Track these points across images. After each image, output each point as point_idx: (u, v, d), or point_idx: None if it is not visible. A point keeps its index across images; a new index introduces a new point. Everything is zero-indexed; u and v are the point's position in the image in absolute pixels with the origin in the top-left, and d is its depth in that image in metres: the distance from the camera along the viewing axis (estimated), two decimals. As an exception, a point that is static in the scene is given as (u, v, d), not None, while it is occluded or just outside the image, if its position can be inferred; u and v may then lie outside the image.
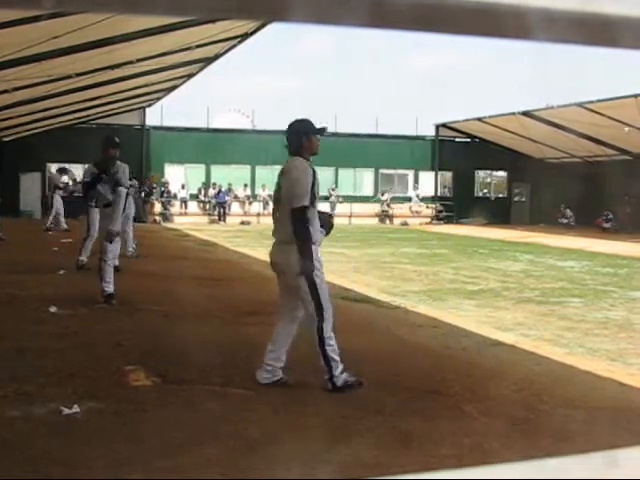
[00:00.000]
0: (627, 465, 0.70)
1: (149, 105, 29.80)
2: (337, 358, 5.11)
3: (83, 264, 11.75)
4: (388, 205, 32.84)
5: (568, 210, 30.62)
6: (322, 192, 32.40)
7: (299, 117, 5.60)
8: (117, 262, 11.61)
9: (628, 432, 4.33)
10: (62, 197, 21.13)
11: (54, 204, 20.84)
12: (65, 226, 20.41)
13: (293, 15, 0.58)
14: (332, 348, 5.11)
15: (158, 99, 28.08)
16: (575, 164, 30.53)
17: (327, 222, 5.90)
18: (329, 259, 15.57)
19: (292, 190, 5.23)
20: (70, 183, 22.29)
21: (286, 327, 5.31)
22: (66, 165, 25.62)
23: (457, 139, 34.83)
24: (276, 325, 5.42)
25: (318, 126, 5.70)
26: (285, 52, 67.68)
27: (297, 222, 5.15)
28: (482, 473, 0.67)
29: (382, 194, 33.24)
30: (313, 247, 5.17)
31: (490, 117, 30.42)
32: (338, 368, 5.10)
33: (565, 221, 30.63)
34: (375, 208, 33.02)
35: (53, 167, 29.64)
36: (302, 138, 5.35)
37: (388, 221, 32.50)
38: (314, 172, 5.33)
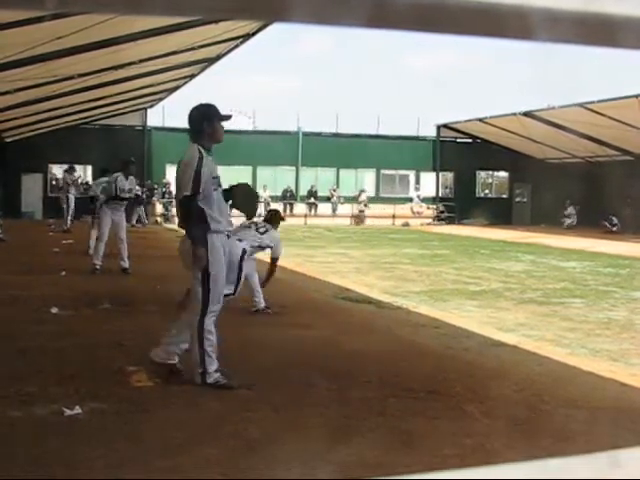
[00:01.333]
0: (629, 465, 0.70)
1: (151, 106, 29.81)
2: (213, 355, 5.08)
3: (96, 268, 11.67)
4: (365, 205, 32.60)
5: (572, 207, 30.52)
6: (323, 192, 32.69)
7: (203, 102, 5.39)
8: (127, 265, 11.62)
9: (630, 432, 4.32)
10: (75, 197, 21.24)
11: (70, 204, 20.93)
12: (67, 227, 20.44)
13: (293, 15, 0.58)
14: (210, 343, 5.07)
15: (160, 100, 28.09)
16: (576, 164, 30.51)
17: (246, 196, 5.77)
18: (330, 259, 15.59)
19: (179, 179, 5.18)
20: (70, 182, 22.13)
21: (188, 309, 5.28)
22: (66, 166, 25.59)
23: (458, 140, 34.82)
24: (184, 312, 5.40)
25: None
26: (286, 52, 67.77)
27: (183, 211, 5.13)
28: (484, 473, 0.67)
29: (359, 194, 32.90)
30: (216, 236, 5.11)
31: (491, 117, 30.42)
32: (212, 365, 5.06)
33: (569, 221, 30.53)
34: (376, 209, 32.95)
35: (57, 167, 29.70)
36: (203, 124, 5.18)
37: (363, 221, 32.20)
38: (201, 158, 5.09)
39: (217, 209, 5.18)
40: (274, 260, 8.33)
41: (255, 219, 8.59)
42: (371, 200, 33.53)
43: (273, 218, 8.63)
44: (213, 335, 5.11)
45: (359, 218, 32.31)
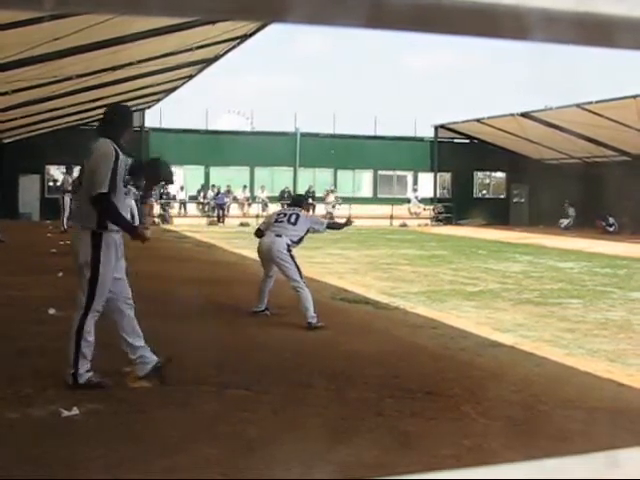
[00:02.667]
0: (627, 465, 0.70)
1: (148, 107, 29.79)
2: (88, 356, 5.02)
3: None
4: (334, 207, 32.14)
5: (572, 208, 30.52)
6: (320, 193, 32.63)
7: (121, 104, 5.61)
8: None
9: (627, 432, 4.33)
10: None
11: (65, 205, 20.98)
12: (64, 227, 20.45)
13: (292, 16, 0.58)
14: (87, 344, 5.01)
15: (157, 101, 28.08)
16: (574, 165, 30.54)
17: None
18: (327, 260, 15.59)
19: (92, 176, 5.10)
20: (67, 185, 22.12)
21: (123, 313, 5.24)
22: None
23: (456, 140, 34.85)
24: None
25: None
26: (284, 53, 67.73)
27: (101, 210, 5.04)
28: (482, 473, 0.67)
29: (327, 194, 32.59)
30: (111, 237, 5.09)
31: (489, 118, 30.45)
32: (85, 366, 5.00)
33: (567, 221, 30.53)
34: (374, 210, 32.89)
35: (54, 168, 29.67)
36: (127, 124, 5.31)
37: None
38: (117, 155, 5.07)
39: (121, 207, 5.17)
40: (328, 229, 8.58)
41: (282, 208, 8.70)
42: (368, 201, 33.51)
43: (301, 202, 8.71)
44: (91, 335, 5.04)
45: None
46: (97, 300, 5.06)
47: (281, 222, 8.06)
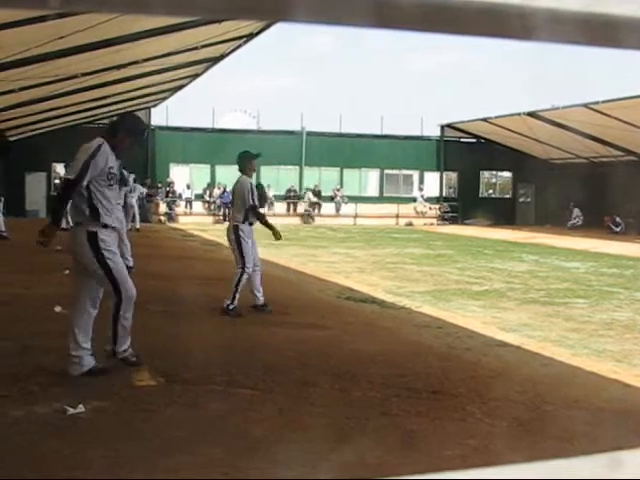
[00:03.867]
0: (632, 466, 0.70)
1: (154, 105, 29.83)
2: (125, 339, 5.43)
3: None
4: (311, 204, 32.59)
5: (577, 209, 30.51)
6: (327, 192, 32.72)
7: (141, 119, 6.05)
8: (131, 263, 11.61)
9: (633, 433, 4.31)
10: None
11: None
12: (66, 226, 20.47)
13: (296, 15, 0.58)
14: (122, 327, 5.38)
15: (164, 99, 28.10)
16: (580, 165, 30.47)
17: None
18: (333, 259, 15.59)
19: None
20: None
21: (85, 311, 5.31)
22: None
23: (462, 139, 34.81)
24: (73, 310, 5.44)
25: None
26: (291, 52, 67.69)
27: (59, 190, 5.35)
28: (487, 474, 0.67)
29: (305, 193, 32.88)
30: (106, 231, 5.22)
31: (495, 117, 30.39)
32: (123, 345, 5.42)
33: (574, 221, 30.52)
34: (380, 209, 32.89)
35: (61, 166, 29.75)
36: (120, 132, 5.37)
37: (311, 220, 32.03)
38: (99, 147, 5.15)
39: (106, 203, 5.23)
40: (255, 213, 8.08)
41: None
42: (375, 200, 33.50)
43: (242, 163, 8.15)
44: (128, 321, 5.40)
45: (306, 218, 32.19)
46: (124, 286, 5.30)
47: (238, 203, 8.13)
